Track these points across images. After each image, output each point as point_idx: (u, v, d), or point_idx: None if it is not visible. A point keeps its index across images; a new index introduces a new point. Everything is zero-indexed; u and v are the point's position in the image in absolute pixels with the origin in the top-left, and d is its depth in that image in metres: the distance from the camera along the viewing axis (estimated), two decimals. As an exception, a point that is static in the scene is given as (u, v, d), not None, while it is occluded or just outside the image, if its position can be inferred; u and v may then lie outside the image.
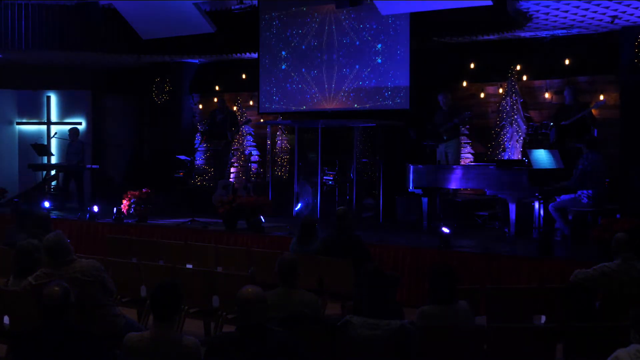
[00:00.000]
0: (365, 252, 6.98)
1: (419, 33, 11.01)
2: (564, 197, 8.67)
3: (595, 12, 9.21)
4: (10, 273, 5.53)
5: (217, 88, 14.48)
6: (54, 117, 14.89)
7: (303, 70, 12.24)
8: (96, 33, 12.84)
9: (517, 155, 11.02)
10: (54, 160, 14.03)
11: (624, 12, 9.11)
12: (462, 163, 11.17)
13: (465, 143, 11.69)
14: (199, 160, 14.29)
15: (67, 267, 5.05)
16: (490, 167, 9.20)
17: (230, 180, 13.07)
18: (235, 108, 13.82)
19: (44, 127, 14.84)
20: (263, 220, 9.62)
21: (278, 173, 13.25)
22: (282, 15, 12.44)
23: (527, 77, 11.37)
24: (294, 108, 12.40)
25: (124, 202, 10.65)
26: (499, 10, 9.72)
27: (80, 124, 14.65)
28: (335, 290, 6.67)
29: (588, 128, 9.83)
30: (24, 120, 14.94)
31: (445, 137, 10.78)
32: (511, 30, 10.40)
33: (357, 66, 11.66)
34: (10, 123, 14.90)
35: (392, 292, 6.53)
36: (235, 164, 13.75)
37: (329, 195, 11.44)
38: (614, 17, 9.38)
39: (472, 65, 11.81)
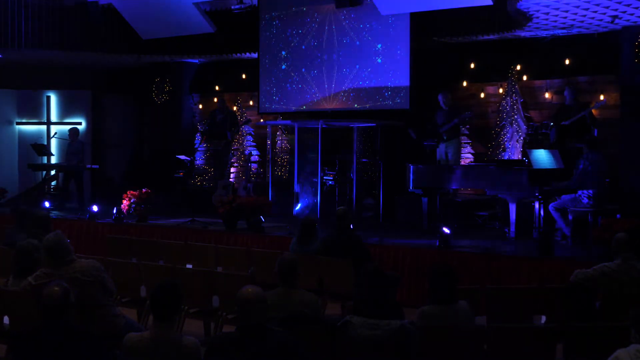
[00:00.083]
0: (365, 252, 6.98)
1: (419, 33, 11.01)
2: (564, 197, 8.68)
3: (595, 12, 9.20)
4: (10, 273, 5.52)
5: (217, 88, 14.48)
6: (53, 117, 14.89)
7: (303, 70, 12.24)
8: (96, 33, 12.84)
9: (517, 155, 11.02)
10: (53, 160, 14.03)
11: (624, 12, 9.11)
12: (462, 163, 11.17)
13: (465, 143, 11.69)
14: (199, 160, 14.29)
15: (67, 267, 5.04)
16: (490, 167, 9.20)
17: (230, 180, 13.07)
18: (235, 108, 13.82)
19: (44, 127, 14.84)
20: (263, 220, 9.62)
21: (278, 173, 13.25)
22: (282, 15, 12.44)
23: (527, 77, 11.37)
24: (294, 108, 12.40)
25: (124, 202, 10.65)
26: (499, 10, 9.73)
27: (80, 124, 14.65)
28: (335, 290, 6.66)
29: (588, 128, 9.83)
30: (24, 120, 14.94)
31: (445, 137, 10.78)
32: (511, 30, 10.39)
33: (357, 66, 11.66)
34: (10, 123, 14.90)
35: (392, 292, 6.55)
36: (235, 164, 13.75)
37: (329, 195, 11.43)
38: (614, 17, 9.38)
39: (472, 65, 11.81)
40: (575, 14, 9.37)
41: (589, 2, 8.78)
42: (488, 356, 4.46)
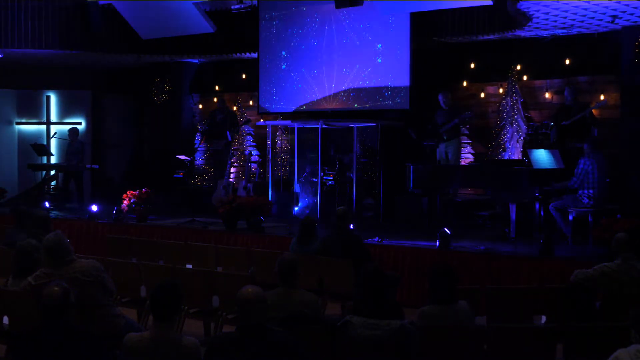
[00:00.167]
0: (365, 252, 6.98)
1: (419, 33, 11.00)
2: (564, 197, 8.67)
3: (595, 12, 9.20)
4: (10, 273, 5.52)
5: (217, 88, 14.48)
6: (53, 117, 14.88)
7: (303, 70, 12.24)
8: (96, 33, 12.83)
9: (517, 155, 11.01)
10: (53, 160, 14.03)
11: (624, 12, 9.10)
12: (462, 163, 11.16)
13: (465, 143, 11.68)
14: (199, 160, 14.29)
15: (67, 267, 5.04)
16: (491, 167, 9.19)
17: (230, 180, 13.07)
18: (235, 108, 13.81)
19: (44, 127, 14.83)
20: (263, 220, 9.62)
21: (278, 173, 13.25)
22: (282, 15, 12.43)
23: (527, 77, 11.36)
24: (293, 108, 12.40)
25: (124, 202, 10.65)
26: (499, 10, 9.74)
27: (80, 124, 14.65)
28: (335, 290, 6.66)
29: (588, 128, 9.83)
30: (24, 120, 14.93)
31: (445, 137, 10.78)
32: (511, 30, 10.39)
33: (357, 66, 11.65)
34: (10, 123, 14.89)
35: (392, 292, 6.55)
36: (235, 164, 13.75)
37: (329, 195, 11.43)
38: (614, 17, 9.37)
39: (472, 65, 11.81)
40: (575, 13, 9.36)
41: (589, 2, 8.78)
42: (488, 356, 4.46)
